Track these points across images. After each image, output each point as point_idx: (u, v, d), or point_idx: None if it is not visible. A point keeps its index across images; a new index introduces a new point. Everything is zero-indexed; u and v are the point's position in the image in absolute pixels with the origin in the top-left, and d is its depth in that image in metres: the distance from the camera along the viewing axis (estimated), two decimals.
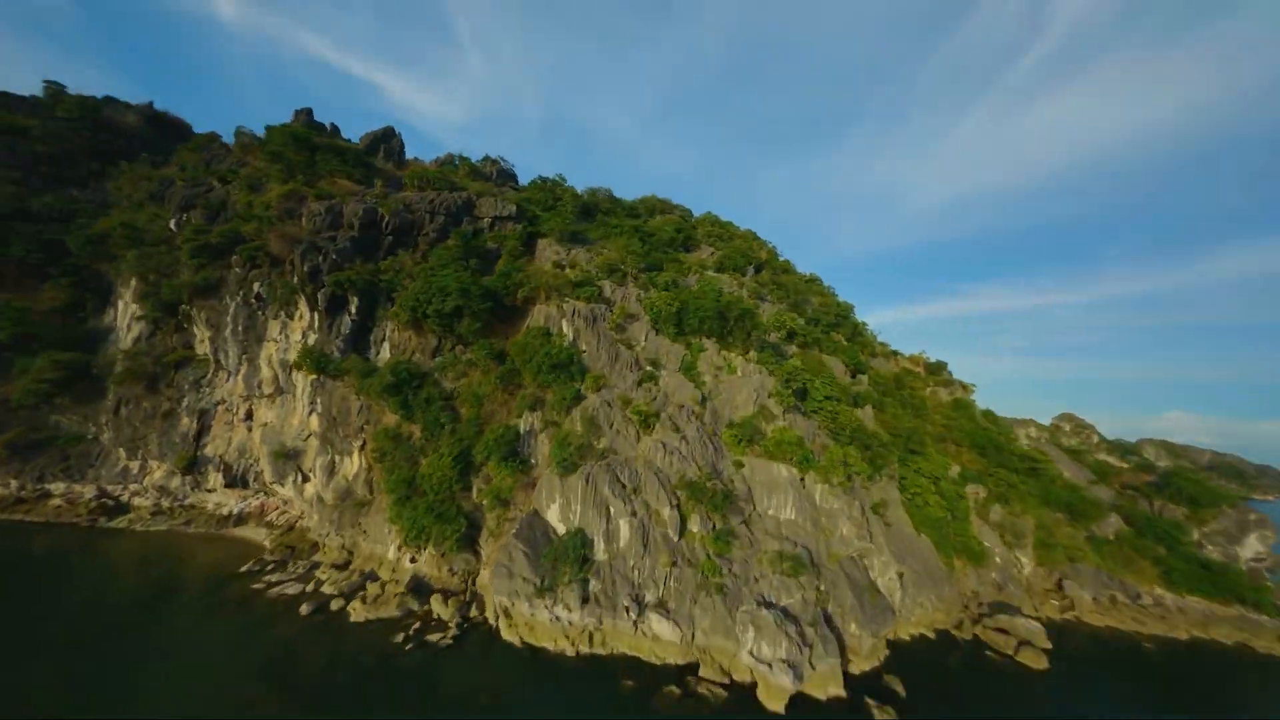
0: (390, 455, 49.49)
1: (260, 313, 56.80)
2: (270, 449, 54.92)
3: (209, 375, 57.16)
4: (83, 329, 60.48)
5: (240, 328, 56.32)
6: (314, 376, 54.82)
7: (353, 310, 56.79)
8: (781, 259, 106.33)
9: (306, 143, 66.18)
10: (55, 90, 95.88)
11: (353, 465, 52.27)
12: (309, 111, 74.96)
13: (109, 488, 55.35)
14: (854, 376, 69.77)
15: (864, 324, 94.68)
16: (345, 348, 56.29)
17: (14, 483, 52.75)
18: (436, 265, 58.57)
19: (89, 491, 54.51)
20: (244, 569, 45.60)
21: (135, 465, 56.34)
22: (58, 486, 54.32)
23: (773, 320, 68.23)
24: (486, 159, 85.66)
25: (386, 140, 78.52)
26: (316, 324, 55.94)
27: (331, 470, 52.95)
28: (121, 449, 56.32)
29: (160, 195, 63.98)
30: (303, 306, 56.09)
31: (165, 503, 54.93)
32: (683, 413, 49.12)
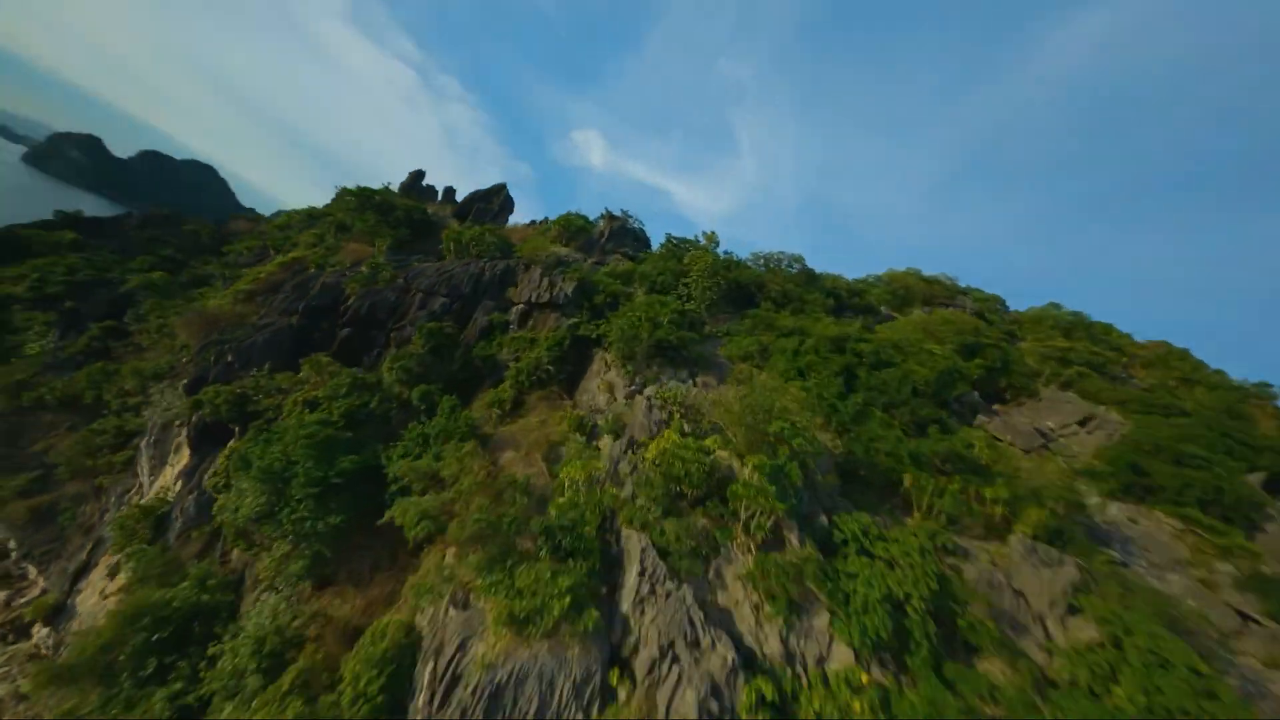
0: None
1: (176, 423, 39.43)
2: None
3: (132, 491, 42.64)
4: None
5: (153, 439, 39.98)
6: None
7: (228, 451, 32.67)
8: None
9: (366, 200, 51.28)
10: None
11: None
12: (420, 174, 63.36)
13: (49, 590, 45.54)
14: None
15: None
16: (196, 514, 32.00)
17: (3, 561, 48.21)
18: (327, 395, 29.17)
19: (35, 589, 45.61)
20: None
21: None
22: (31, 570, 47.60)
23: None
24: (606, 214, 56.55)
25: (486, 200, 59.48)
26: (188, 462, 34.14)
27: None
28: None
29: (232, 264, 59.80)
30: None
31: (43, 648, 40.76)
32: None
